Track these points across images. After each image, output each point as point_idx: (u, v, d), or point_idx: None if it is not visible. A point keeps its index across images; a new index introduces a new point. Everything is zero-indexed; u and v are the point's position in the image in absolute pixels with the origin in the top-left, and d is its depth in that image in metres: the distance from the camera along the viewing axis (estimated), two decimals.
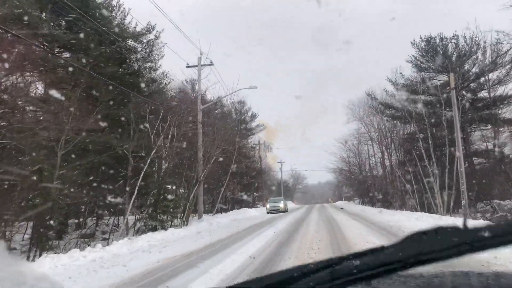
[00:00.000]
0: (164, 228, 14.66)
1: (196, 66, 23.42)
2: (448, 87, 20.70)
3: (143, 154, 16.19)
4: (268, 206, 34.35)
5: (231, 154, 26.84)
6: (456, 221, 13.42)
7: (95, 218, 18.13)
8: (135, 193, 14.71)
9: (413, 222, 15.19)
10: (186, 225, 18.04)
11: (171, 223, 15.48)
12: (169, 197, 15.36)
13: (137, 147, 15.48)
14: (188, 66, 23.60)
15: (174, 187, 16.75)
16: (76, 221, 17.21)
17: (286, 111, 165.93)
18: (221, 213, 28.70)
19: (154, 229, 14.68)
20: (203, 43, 52.78)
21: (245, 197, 37.64)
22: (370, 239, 10.78)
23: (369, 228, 14.01)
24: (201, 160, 21.54)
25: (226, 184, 27.59)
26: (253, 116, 53.75)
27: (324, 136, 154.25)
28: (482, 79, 29.15)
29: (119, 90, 16.15)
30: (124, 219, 15.09)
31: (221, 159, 22.84)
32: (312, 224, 16.46)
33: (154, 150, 16.05)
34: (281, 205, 34.11)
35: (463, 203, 18.06)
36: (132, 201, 15.05)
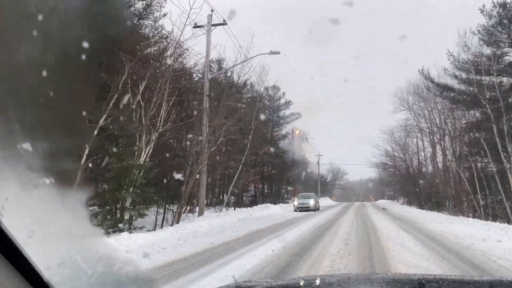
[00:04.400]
0: (121, 230, 10.18)
1: (205, 26, 18.83)
2: None
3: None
4: (295, 203, 29.42)
5: (245, 136, 22.09)
6: None
7: None
8: None
9: (493, 241, 9.86)
10: (170, 225, 13.65)
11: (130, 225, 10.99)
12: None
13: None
14: (195, 26, 19.02)
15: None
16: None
17: (326, 100, 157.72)
18: (235, 208, 24.20)
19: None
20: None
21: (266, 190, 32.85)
22: None
23: (432, 251, 8.85)
24: (205, 143, 17.02)
25: (239, 174, 22.86)
26: (287, 103, 48.79)
27: (369, 127, 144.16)
28: None
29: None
30: None
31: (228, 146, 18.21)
32: (339, 237, 11.50)
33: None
34: (311, 202, 29.07)
35: None
36: None
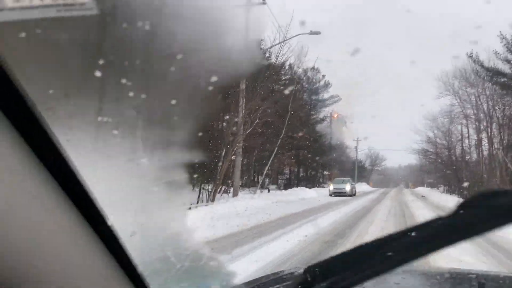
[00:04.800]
0: None
1: (244, 5, 18.52)
2: None
3: None
4: (331, 187, 29.06)
5: (281, 119, 21.80)
6: None
7: None
8: None
9: None
10: (205, 205, 13.79)
11: None
12: None
13: None
14: (235, 6, 18.79)
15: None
16: None
17: (368, 85, 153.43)
18: (269, 190, 24.14)
19: None
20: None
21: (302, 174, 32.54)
22: None
23: (475, 244, 8.40)
24: (241, 125, 16.96)
25: (274, 157, 22.68)
26: (326, 86, 47.79)
27: (411, 113, 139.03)
28: None
29: None
30: None
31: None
32: (376, 226, 11.17)
33: None
34: (347, 187, 28.61)
35: None
36: None
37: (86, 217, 0.66)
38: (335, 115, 49.24)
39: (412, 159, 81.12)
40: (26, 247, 0.58)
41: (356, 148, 66.51)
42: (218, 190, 16.05)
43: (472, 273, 1.71)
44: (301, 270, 1.13)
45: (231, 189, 18.35)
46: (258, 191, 21.85)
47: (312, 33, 18.87)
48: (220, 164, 15.23)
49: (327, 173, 49.62)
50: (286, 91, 22.08)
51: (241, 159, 18.52)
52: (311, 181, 40.68)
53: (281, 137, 21.56)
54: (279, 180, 34.69)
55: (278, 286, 1.44)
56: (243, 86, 17.57)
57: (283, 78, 27.94)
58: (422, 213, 15.25)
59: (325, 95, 47.61)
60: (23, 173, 0.57)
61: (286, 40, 18.42)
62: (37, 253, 0.60)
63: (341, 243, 7.67)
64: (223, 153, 15.61)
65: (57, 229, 0.63)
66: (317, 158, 37.46)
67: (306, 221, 11.01)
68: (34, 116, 0.56)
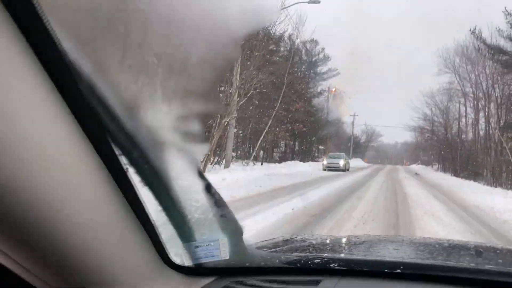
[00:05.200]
0: None
1: None
2: None
3: None
4: (325, 162, 28.96)
5: (277, 91, 21.37)
6: None
7: None
8: None
9: None
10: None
11: None
12: None
13: None
14: None
15: None
16: None
17: (367, 58, 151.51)
18: (262, 163, 23.96)
19: None
20: None
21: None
22: None
23: (465, 223, 8.24)
24: (235, 95, 16.59)
25: (268, 129, 22.36)
26: (326, 59, 46.92)
27: (409, 89, 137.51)
28: None
29: None
30: None
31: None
32: (365, 201, 11.03)
33: None
34: (341, 162, 28.52)
35: None
36: None
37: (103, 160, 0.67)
38: (333, 90, 48.72)
39: (408, 137, 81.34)
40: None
41: (352, 123, 66.32)
42: (210, 161, 15.84)
43: (471, 243, 1.78)
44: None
45: (224, 161, 18.16)
46: (251, 163, 21.67)
47: (311, 1, 18.23)
48: (212, 133, 14.96)
49: (322, 147, 49.55)
50: (283, 62, 21.59)
51: (235, 130, 18.23)
52: (307, 155, 40.60)
53: (275, 109, 21.21)
54: (274, 154, 34.54)
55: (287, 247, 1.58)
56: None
57: (281, 49, 27.34)
58: (415, 191, 15.16)
59: (323, 69, 46.98)
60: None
61: (284, 8, 17.81)
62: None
63: (329, 217, 7.52)
64: (216, 123, 15.32)
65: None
66: (312, 132, 37.24)
67: (296, 195, 10.84)
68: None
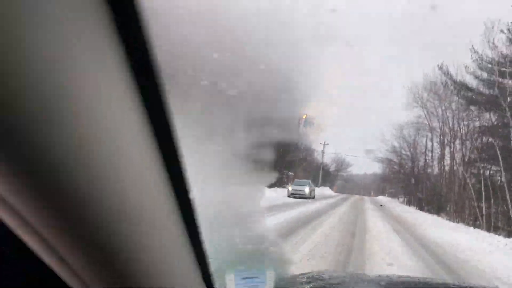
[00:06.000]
0: None
1: None
2: None
3: None
4: (290, 188, 28.40)
5: None
6: None
7: None
8: None
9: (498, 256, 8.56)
10: None
11: None
12: None
13: None
14: None
15: None
16: None
17: (338, 90, 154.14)
18: None
19: None
20: None
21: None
22: None
23: (423, 263, 7.57)
24: None
25: None
26: None
27: (379, 121, 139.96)
28: None
29: None
30: None
31: None
32: (319, 232, 10.28)
33: None
34: (306, 189, 27.96)
35: None
36: None
37: (171, 181, 0.64)
38: (304, 116, 48.67)
39: (376, 168, 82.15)
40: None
41: (322, 151, 66.42)
42: None
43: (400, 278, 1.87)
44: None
45: None
46: None
47: None
48: None
49: (291, 173, 49.05)
50: None
51: None
52: (275, 181, 39.92)
53: None
54: None
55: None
56: None
57: None
58: (375, 223, 14.55)
59: None
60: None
61: None
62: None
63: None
64: None
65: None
66: (280, 157, 36.66)
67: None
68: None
